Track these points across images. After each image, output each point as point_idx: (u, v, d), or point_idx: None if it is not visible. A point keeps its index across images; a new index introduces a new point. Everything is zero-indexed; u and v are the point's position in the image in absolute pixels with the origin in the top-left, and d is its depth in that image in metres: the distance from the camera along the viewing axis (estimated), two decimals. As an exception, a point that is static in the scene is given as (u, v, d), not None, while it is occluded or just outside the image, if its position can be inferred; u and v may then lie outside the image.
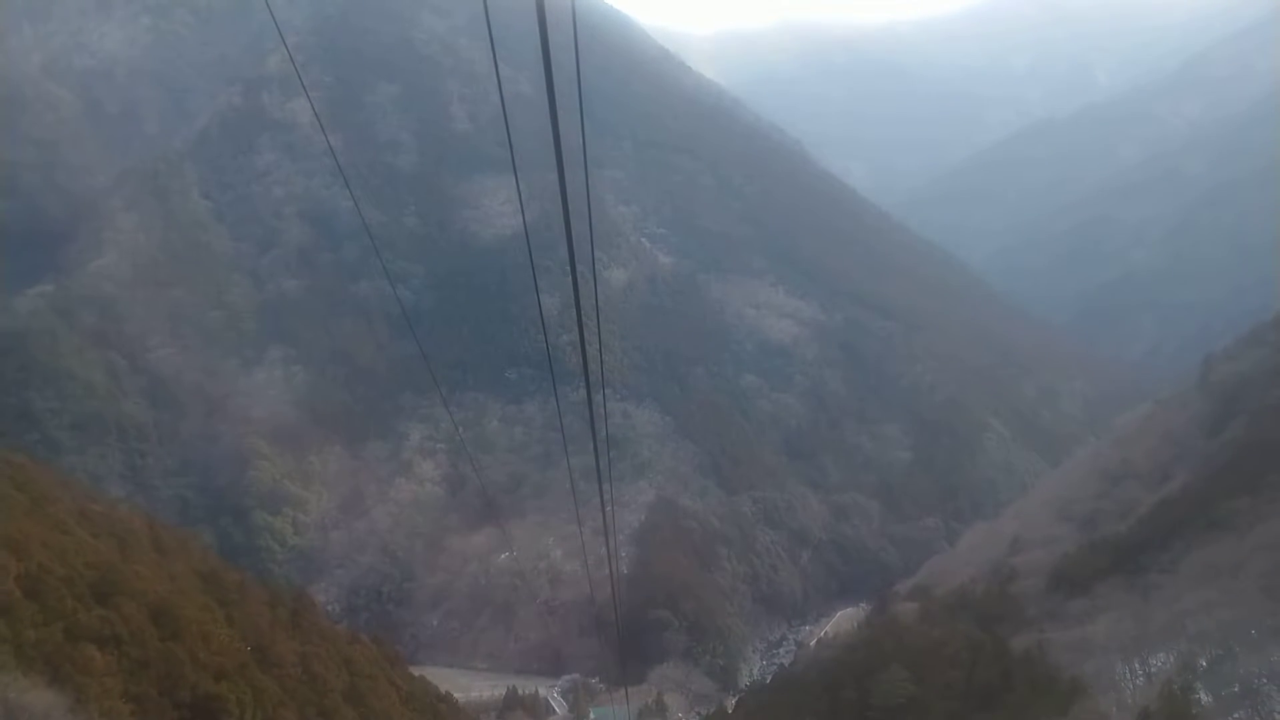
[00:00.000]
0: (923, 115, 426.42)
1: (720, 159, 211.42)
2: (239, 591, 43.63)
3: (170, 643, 31.82)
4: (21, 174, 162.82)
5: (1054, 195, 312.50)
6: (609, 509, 18.04)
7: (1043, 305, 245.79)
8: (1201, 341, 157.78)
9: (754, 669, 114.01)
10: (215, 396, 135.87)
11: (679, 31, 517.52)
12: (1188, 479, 70.13)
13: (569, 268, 8.64)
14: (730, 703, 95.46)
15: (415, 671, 71.66)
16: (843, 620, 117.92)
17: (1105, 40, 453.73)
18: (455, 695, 79.25)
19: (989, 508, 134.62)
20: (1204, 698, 43.77)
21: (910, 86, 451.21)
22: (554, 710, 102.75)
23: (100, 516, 43.03)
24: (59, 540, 34.21)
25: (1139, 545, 64.27)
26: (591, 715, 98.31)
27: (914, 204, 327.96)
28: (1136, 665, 51.23)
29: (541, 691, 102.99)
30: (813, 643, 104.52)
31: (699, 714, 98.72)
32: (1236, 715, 42.75)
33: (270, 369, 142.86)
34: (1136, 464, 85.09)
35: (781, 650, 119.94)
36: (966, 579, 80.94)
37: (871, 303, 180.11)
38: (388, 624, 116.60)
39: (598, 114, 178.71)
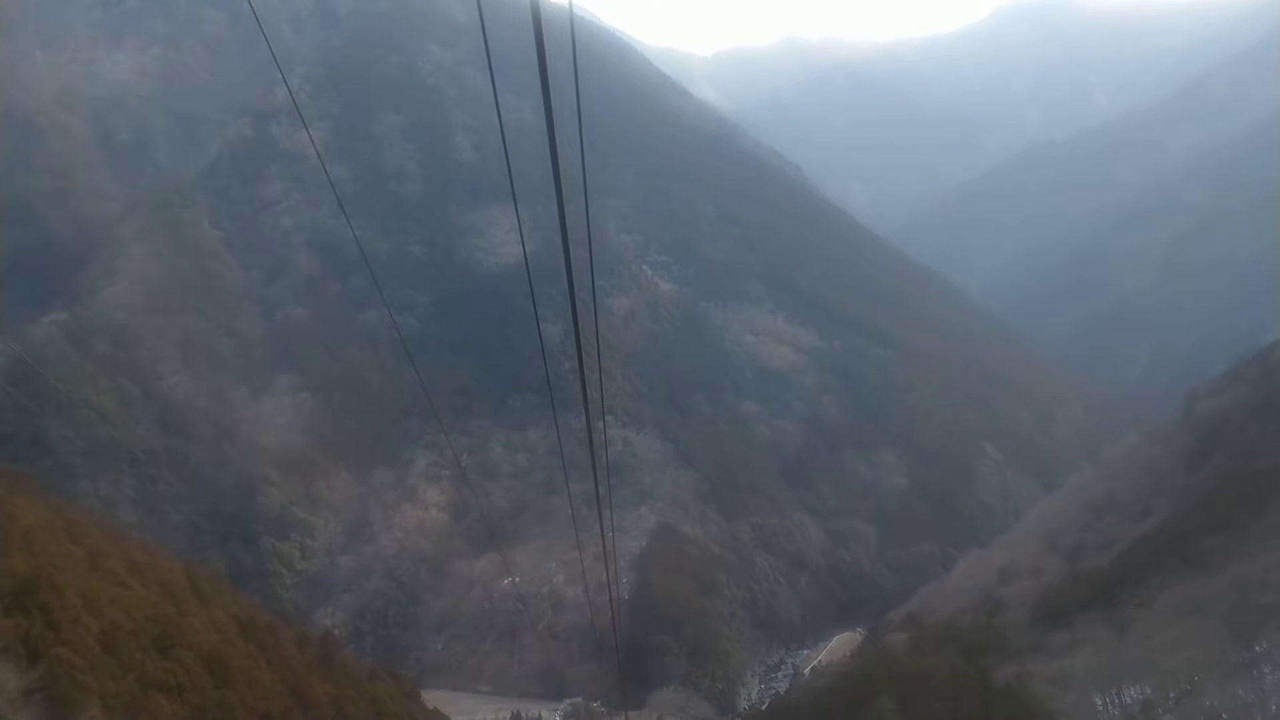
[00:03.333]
0: (922, 137, 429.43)
1: (720, 186, 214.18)
2: (271, 634, 46.59)
3: (224, 689, 35.06)
4: (35, 202, 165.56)
5: (1052, 219, 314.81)
6: (609, 535, 19.93)
7: (1039, 328, 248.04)
8: (1196, 368, 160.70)
9: (752, 693, 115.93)
10: (225, 423, 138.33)
11: (682, 53, 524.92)
12: (1166, 515, 72.75)
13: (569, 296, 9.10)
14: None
15: (422, 695, 74.25)
16: (839, 645, 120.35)
17: (1104, 64, 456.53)
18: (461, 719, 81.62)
19: (984, 534, 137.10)
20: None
21: (910, 109, 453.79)
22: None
23: (146, 566, 45.97)
24: (122, 596, 37.43)
25: (1118, 579, 66.81)
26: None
27: (912, 226, 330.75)
28: (1113, 698, 53.75)
29: (544, 715, 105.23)
30: (807, 669, 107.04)
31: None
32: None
33: (279, 396, 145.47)
34: (1120, 496, 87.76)
35: (779, 674, 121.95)
36: (956, 609, 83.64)
37: (869, 330, 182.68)
38: (393, 648, 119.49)
39: (600, 144, 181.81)
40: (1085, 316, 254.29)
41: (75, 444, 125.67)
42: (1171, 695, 49.90)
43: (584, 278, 10.65)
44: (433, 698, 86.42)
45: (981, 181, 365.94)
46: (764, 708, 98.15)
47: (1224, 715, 45.20)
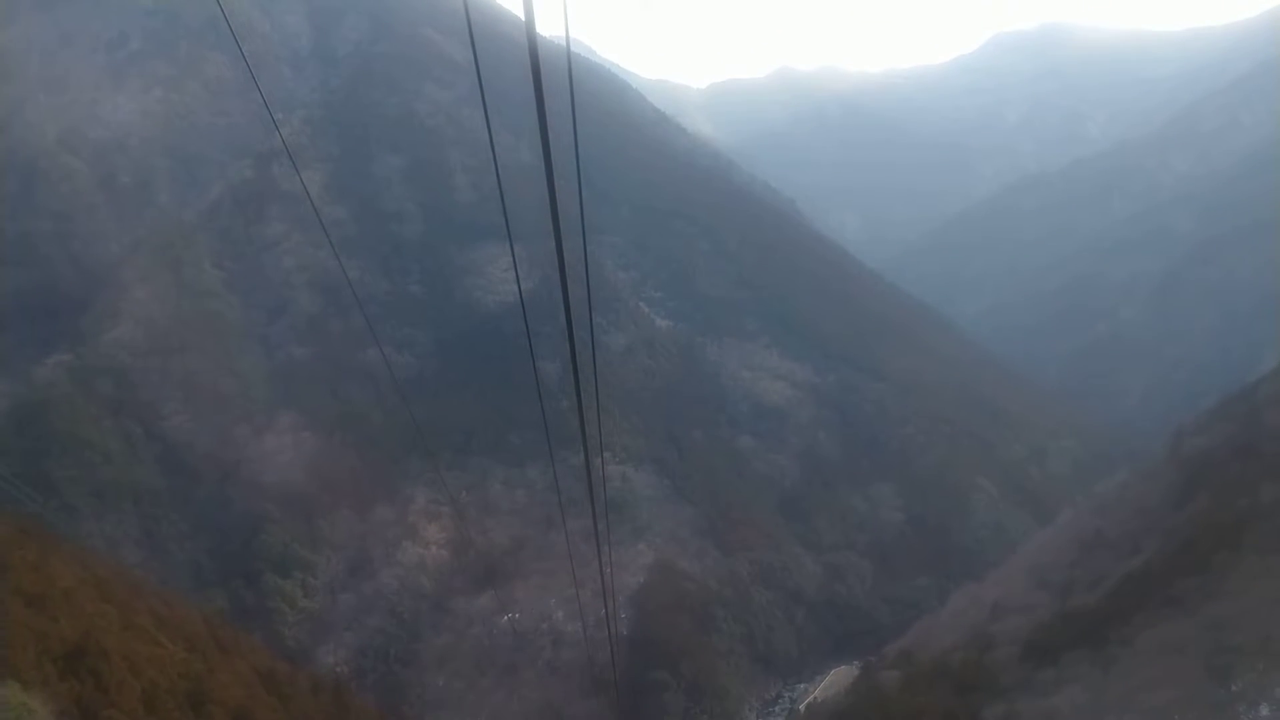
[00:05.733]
0: (916, 167, 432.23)
1: (715, 222, 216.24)
2: (290, 684, 48.38)
3: (253, 743, 37.02)
4: (38, 244, 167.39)
5: (1045, 249, 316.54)
6: (608, 571, 20.82)
7: (1033, 357, 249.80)
8: (1190, 397, 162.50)
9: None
10: (227, 462, 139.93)
11: (676, 85, 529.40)
12: (1151, 554, 74.31)
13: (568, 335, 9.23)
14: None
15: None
16: (835, 679, 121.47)
17: (1097, 93, 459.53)
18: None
19: (978, 568, 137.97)
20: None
21: (904, 138, 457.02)
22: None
23: (169, 620, 47.84)
24: (157, 654, 39.34)
25: (1104, 617, 68.33)
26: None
27: (907, 257, 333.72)
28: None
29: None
30: (802, 706, 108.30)
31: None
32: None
33: (280, 435, 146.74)
34: (1109, 534, 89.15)
35: (777, 709, 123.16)
36: (948, 645, 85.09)
37: (864, 364, 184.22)
38: (395, 685, 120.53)
39: (596, 181, 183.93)
40: (1079, 345, 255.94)
41: (80, 485, 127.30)
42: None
43: (582, 315, 11.09)
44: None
45: (975, 211, 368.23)
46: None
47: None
